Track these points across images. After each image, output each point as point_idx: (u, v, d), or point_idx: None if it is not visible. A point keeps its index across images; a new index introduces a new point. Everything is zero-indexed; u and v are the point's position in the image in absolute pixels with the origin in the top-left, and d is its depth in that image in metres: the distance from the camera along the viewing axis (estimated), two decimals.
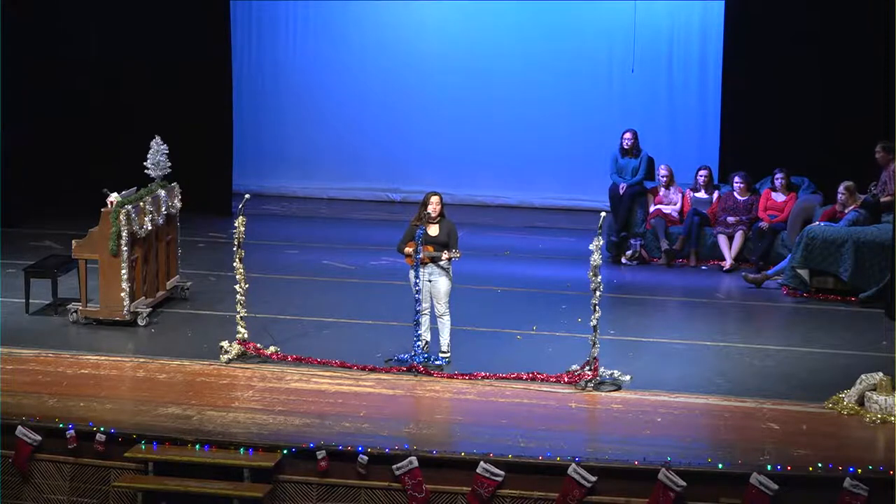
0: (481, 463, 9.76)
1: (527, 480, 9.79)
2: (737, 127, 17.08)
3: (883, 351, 12.23)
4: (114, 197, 12.85)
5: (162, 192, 13.54)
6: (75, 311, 13.00)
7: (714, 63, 17.84)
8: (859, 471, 9.55)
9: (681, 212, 16.00)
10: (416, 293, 11.61)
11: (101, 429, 10.21)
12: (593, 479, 9.63)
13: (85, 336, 12.67)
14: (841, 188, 14.73)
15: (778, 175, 15.60)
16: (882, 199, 14.86)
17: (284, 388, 11.31)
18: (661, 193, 16.13)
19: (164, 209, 13.54)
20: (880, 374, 10.84)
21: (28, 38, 17.60)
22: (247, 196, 12.42)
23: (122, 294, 12.77)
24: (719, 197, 15.93)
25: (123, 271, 12.73)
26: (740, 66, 17.00)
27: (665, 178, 16.06)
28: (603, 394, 11.18)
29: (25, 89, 17.39)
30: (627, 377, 11.34)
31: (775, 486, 9.46)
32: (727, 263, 15.48)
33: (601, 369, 11.30)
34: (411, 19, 18.96)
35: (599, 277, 11.19)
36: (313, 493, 10.03)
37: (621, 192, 16.06)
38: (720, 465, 9.67)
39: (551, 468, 9.73)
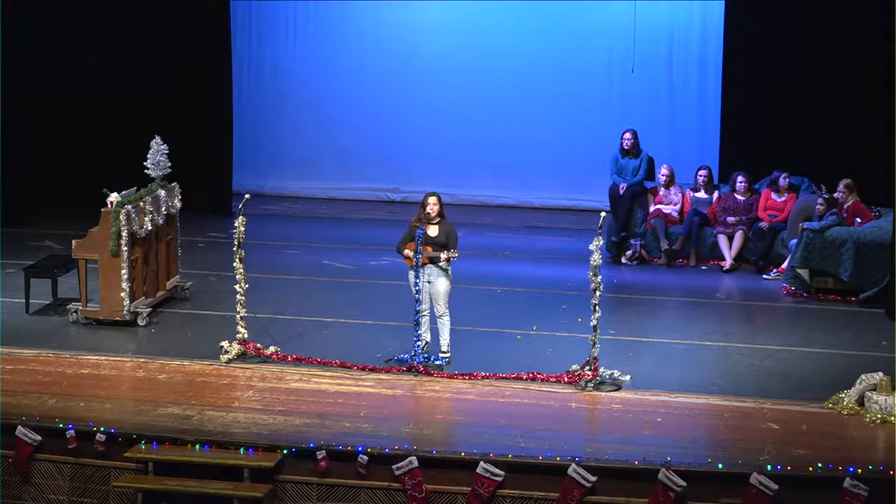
0: (481, 463, 9.76)
1: (527, 480, 9.79)
2: (737, 127, 17.08)
3: (883, 351, 12.23)
4: (114, 197, 12.85)
5: (162, 192, 13.54)
6: (75, 311, 13.00)
7: (714, 63, 17.83)
8: (859, 471, 9.55)
9: (681, 212, 16.00)
10: (416, 294, 11.61)
11: (101, 429, 10.21)
12: (593, 479, 9.63)
13: (85, 336, 12.67)
14: (841, 186, 14.75)
15: (780, 176, 15.60)
16: None
17: (284, 388, 11.31)
18: (661, 193, 16.12)
19: (164, 209, 13.54)
20: (880, 374, 10.84)
21: (28, 38, 17.60)
22: (247, 196, 12.42)
23: (122, 294, 12.77)
24: (719, 197, 15.93)
25: (123, 271, 12.73)
26: (740, 66, 17.00)
27: (665, 178, 16.05)
28: (603, 394, 11.18)
29: (25, 89, 17.39)
30: (627, 377, 11.34)
31: (775, 486, 9.47)
32: (727, 263, 15.47)
33: (601, 369, 11.30)
34: (411, 19, 18.95)
35: (599, 277, 11.19)
36: (313, 493, 10.04)
37: (621, 192, 16.05)
38: (720, 465, 9.67)
39: (551, 468, 9.73)
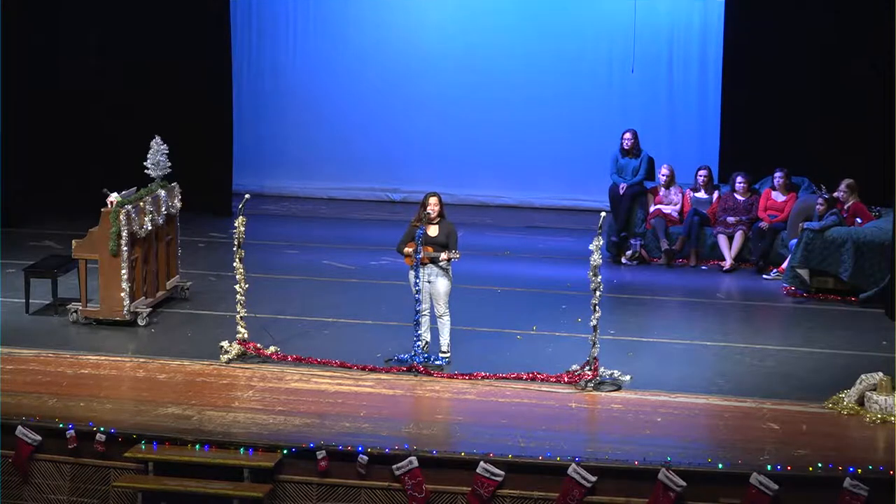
0: (481, 463, 9.76)
1: (527, 480, 9.79)
2: (737, 127, 17.07)
3: (883, 351, 12.23)
4: (114, 197, 12.85)
5: (162, 192, 13.54)
6: (75, 311, 13.00)
7: (714, 63, 17.83)
8: (859, 471, 9.55)
9: (681, 212, 16.00)
10: (416, 294, 11.61)
11: (101, 429, 10.21)
12: (593, 479, 9.63)
13: (85, 336, 12.67)
14: (842, 186, 14.75)
15: (778, 175, 15.61)
16: None
17: (284, 388, 11.31)
18: (661, 193, 16.12)
19: (164, 209, 13.54)
20: (880, 374, 10.84)
21: (28, 38, 17.60)
22: (247, 196, 12.42)
23: (122, 294, 12.77)
24: (719, 197, 15.93)
25: (123, 271, 12.73)
26: (740, 65, 17.00)
27: (665, 178, 16.05)
28: (603, 394, 11.18)
29: (25, 89, 17.38)
30: (627, 377, 11.34)
31: (775, 486, 9.47)
32: (727, 263, 15.47)
33: (601, 369, 11.30)
34: (411, 19, 18.96)
35: (599, 277, 11.19)
36: (313, 493, 10.04)
37: (621, 192, 16.05)
38: (720, 465, 9.67)
39: (551, 468, 9.73)
